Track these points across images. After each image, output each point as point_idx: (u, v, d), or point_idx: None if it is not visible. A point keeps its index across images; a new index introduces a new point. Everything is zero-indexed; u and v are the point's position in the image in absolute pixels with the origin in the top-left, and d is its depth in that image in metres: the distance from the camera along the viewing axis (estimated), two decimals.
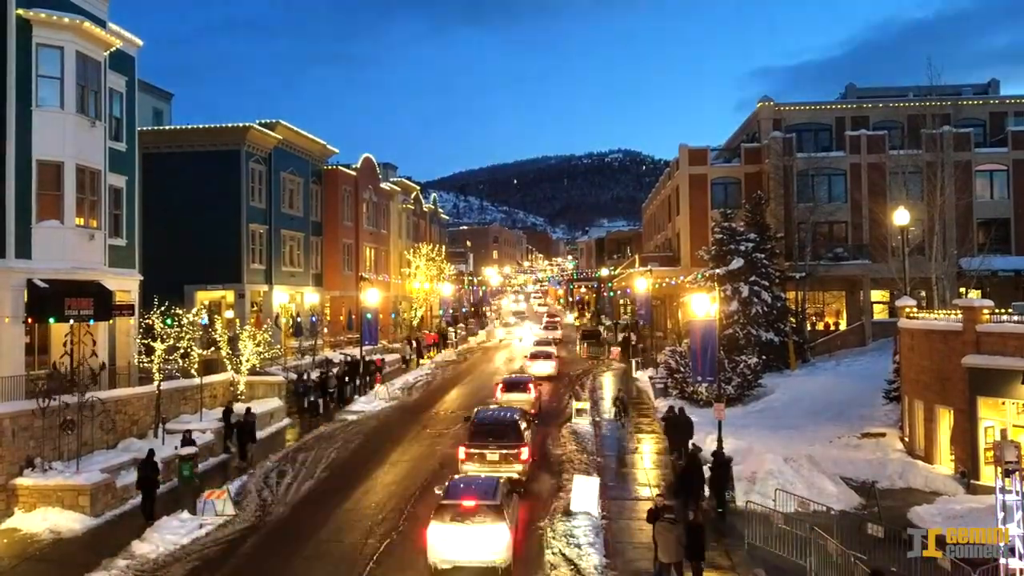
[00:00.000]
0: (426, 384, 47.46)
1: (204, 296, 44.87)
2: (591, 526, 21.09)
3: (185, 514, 22.36)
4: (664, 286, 55.01)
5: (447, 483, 19.54)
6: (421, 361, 57.59)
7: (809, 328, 49.23)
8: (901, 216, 33.78)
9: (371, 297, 47.49)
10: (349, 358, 46.66)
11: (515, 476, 23.37)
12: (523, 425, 25.83)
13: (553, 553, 19.46)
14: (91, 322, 27.52)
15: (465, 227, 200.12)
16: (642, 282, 55.04)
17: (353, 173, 60.17)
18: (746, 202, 48.62)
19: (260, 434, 33.07)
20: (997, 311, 24.38)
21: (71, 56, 27.45)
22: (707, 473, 22.87)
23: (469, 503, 17.94)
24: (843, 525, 18.94)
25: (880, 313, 48.47)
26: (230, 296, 45.55)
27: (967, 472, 23.72)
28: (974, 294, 41.19)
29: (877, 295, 49.13)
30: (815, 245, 49.12)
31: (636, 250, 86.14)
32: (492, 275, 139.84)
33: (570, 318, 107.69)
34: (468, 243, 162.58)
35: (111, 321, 29.99)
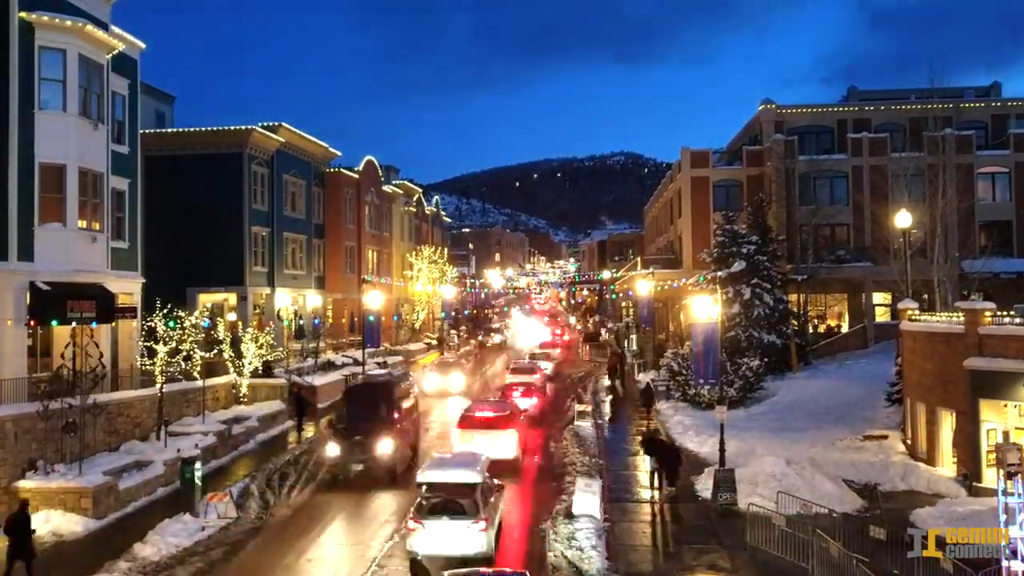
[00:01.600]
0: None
1: (206, 298, 44.95)
2: (593, 528, 21.05)
3: (187, 516, 22.37)
4: (666, 288, 54.96)
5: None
6: (423, 362, 57.61)
7: (811, 330, 49.18)
8: (903, 218, 33.78)
9: (373, 300, 47.50)
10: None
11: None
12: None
13: (555, 555, 19.43)
14: (93, 324, 27.56)
15: (467, 229, 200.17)
16: (644, 284, 55.02)
17: (355, 176, 60.24)
18: (748, 204, 48.61)
19: (262, 436, 33.29)
20: (999, 313, 24.36)
21: (73, 59, 27.50)
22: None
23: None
24: (845, 527, 18.92)
25: (882, 315, 48.41)
26: (232, 298, 45.59)
27: (969, 474, 23.70)
28: (975, 297, 41.12)
29: (879, 297, 49.09)
30: (817, 247, 49.08)
31: (638, 252, 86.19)
32: (495, 277, 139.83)
33: (571, 320, 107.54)
34: (471, 245, 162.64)
35: (113, 323, 30.02)
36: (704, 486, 24.86)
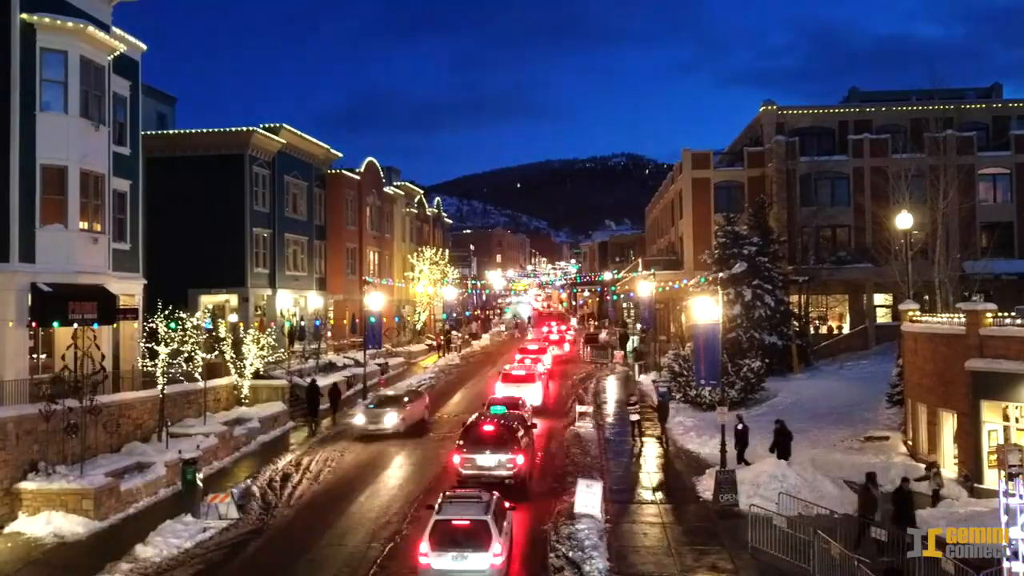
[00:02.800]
0: (429, 388, 47.44)
1: (208, 300, 44.96)
2: (594, 529, 21.08)
3: (188, 518, 22.40)
4: (667, 290, 54.98)
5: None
6: (424, 364, 57.63)
7: (812, 331, 49.19)
8: (904, 220, 33.81)
9: (374, 301, 47.49)
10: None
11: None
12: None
13: (556, 556, 19.47)
14: (95, 326, 27.56)
15: (469, 231, 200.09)
16: (645, 286, 55.08)
17: (357, 177, 60.25)
18: (749, 206, 48.63)
19: (264, 438, 33.35)
20: (1000, 314, 24.34)
21: (75, 60, 27.52)
22: None
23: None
24: (846, 528, 18.92)
25: (883, 317, 48.43)
26: (234, 300, 45.59)
27: (970, 475, 23.68)
28: (977, 298, 41.10)
29: (880, 298, 49.11)
30: (818, 248, 49.12)
31: (639, 254, 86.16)
32: (496, 278, 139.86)
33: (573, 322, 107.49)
34: (472, 247, 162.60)
35: (115, 325, 30.03)
36: (705, 487, 24.88)
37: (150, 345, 30.00)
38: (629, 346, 57.47)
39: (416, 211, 77.92)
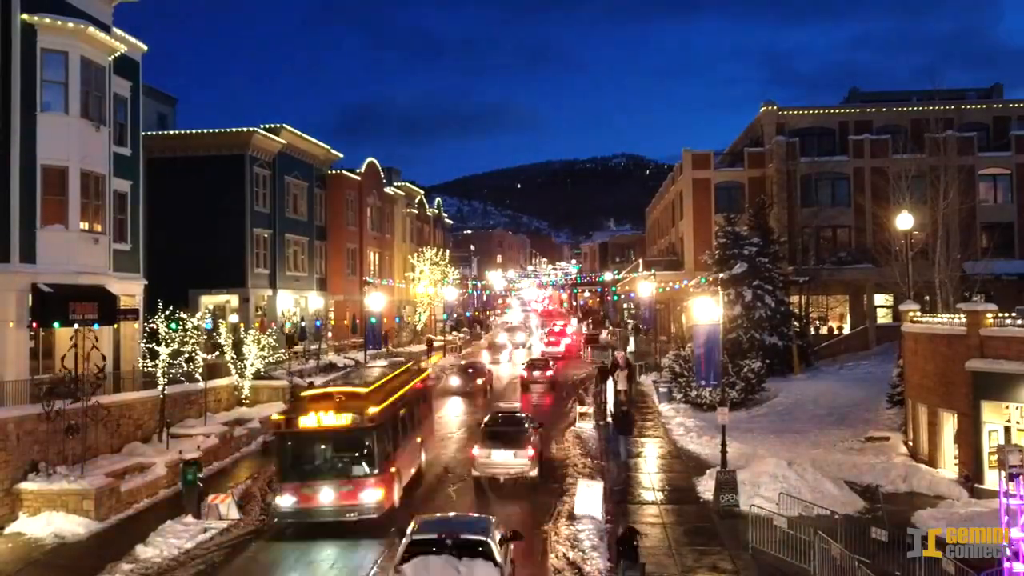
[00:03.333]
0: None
1: (208, 300, 45.00)
2: (595, 530, 21.05)
3: (189, 518, 22.39)
4: (668, 290, 54.98)
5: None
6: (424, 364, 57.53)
7: (813, 332, 49.18)
8: (904, 220, 33.79)
9: (375, 301, 47.54)
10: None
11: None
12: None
13: (557, 557, 19.43)
14: (95, 326, 27.58)
15: (469, 231, 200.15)
16: (646, 286, 55.04)
17: (357, 178, 60.28)
18: (749, 206, 48.64)
19: (264, 438, 33.16)
20: (1000, 315, 24.33)
21: (75, 61, 27.54)
22: None
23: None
24: (847, 529, 18.91)
25: (884, 317, 48.44)
26: (234, 300, 45.64)
27: (971, 476, 23.68)
28: (977, 298, 41.08)
29: (881, 299, 49.12)
30: (818, 249, 49.15)
31: (640, 254, 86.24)
32: (496, 279, 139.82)
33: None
34: (472, 247, 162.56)
35: (115, 325, 30.05)
36: (706, 487, 24.84)
37: (151, 345, 29.99)
38: (629, 348, 57.06)
39: (416, 211, 77.96)
